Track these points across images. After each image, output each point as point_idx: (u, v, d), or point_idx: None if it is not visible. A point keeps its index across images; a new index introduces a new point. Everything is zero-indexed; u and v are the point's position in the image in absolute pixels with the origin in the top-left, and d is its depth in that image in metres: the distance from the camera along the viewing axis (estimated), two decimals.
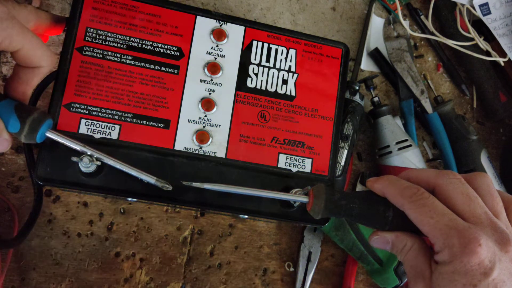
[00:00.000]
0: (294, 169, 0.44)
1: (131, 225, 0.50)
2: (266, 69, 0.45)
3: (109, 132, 0.41)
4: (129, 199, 0.43)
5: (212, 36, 0.44)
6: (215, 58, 0.44)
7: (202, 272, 0.52)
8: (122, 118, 0.41)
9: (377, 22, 0.61)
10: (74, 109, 0.40)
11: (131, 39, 0.42)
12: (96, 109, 0.40)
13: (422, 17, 0.62)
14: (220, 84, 0.44)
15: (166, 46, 0.43)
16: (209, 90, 0.43)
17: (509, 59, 0.59)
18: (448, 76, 0.64)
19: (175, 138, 0.42)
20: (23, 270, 0.47)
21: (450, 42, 0.59)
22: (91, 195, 0.50)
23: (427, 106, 0.57)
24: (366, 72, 0.60)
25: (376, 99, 0.56)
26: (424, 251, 0.32)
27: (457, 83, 0.63)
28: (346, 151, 0.51)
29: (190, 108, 0.43)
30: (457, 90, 0.64)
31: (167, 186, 0.39)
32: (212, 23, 0.44)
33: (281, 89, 0.45)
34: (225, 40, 0.44)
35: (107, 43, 0.41)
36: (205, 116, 0.43)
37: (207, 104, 0.43)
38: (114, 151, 0.40)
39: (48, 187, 0.48)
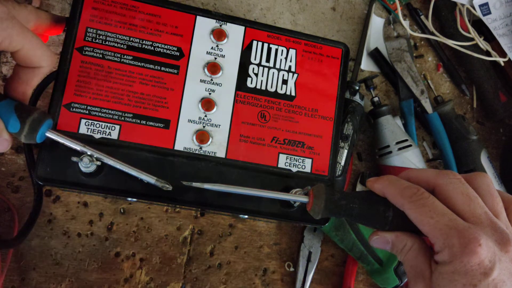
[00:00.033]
0: (294, 169, 0.44)
1: (131, 225, 0.50)
2: (266, 69, 0.45)
3: (109, 132, 0.41)
4: (129, 199, 0.43)
5: (212, 36, 0.44)
6: (215, 58, 0.44)
7: (202, 272, 0.52)
8: (122, 118, 0.41)
9: (377, 22, 0.61)
10: (74, 109, 0.40)
11: (131, 39, 0.42)
12: (96, 109, 0.40)
13: (422, 17, 0.62)
14: (220, 84, 0.44)
15: (166, 46, 0.43)
16: (209, 90, 0.43)
17: (509, 59, 0.59)
18: (448, 76, 0.64)
19: (175, 138, 0.42)
20: (23, 270, 0.47)
21: (450, 42, 0.59)
22: (91, 195, 0.50)
23: (427, 106, 0.57)
24: (366, 72, 0.60)
25: (376, 99, 0.56)
26: (424, 251, 0.32)
27: (457, 83, 0.63)
28: (346, 151, 0.51)
29: (190, 108, 0.43)
30: (457, 90, 0.64)
31: (167, 186, 0.39)
32: (212, 23, 0.44)
33: (281, 89, 0.45)
34: (225, 40, 0.44)
35: (107, 43, 0.41)
36: (205, 116, 0.43)
37: (207, 104, 0.43)
38: (114, 151, 0.40)
39: (48, 187, 0.48)
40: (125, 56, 0.42)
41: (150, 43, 0.42)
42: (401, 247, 0.33)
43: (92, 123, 0.40)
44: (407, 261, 0.33)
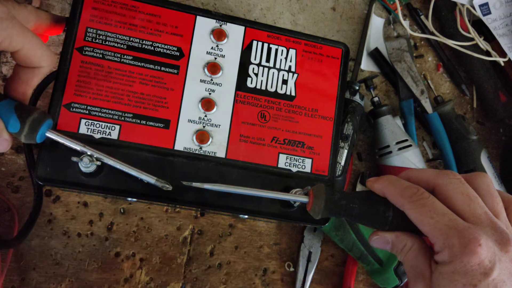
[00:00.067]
0: (294, 169, 0.44)
1: (131, 225, 0.50)
2: (266, 69, 0.45)
3: (109, 132, 0.41)
4: (129, 199, 0.43)
5: (212, 36, 0.44)
6: (215, 58, 0.44)
7: (202, 272, 0.52)
8: (122, 118, 0.41)
9: (377, 22, 0.61)
10: (74, 109, 0.40)
11: (131, 39, 0.42)
12: (96, 109, 0.40)
13: (422, 17, 0.62)
14: (220, 84, 0.44)
15: (166, 46, 0.43)
16: (209, 90, 0.43)
17: (509, 59, 0.59)
18: (448, 76, 0.64)
19: (175, 138, 0.42)
20: (23, 270, 0.47)
21: (450, 42, 0.59)
22: (91, 195, 0.50)
23: (427, 106, 0.57)
24: (366, 72, 0.60)
25: (376, 99, 0.56)
26: (424, 251, 0.32)
27: (457, 83, 0.63)
28: (346, 151, 0.51)
29: (190, 108, 0.43)
30: (457, 90, 0.64)
31: (167, 186, 0.39)
32: (212, 23, 0.44)
33: (281, 89, 0.45)
34: (225, 40, 0.44)
35: (107, 43, 0.41)
36: (205, 116, 0.43)
37: (207, 104, 0.43)
38: (114, 151, 0.40)
39: (48, 187, 0.48)
40: (125, 56, 0.42)
41: (150, 43, 0.42)
42: (401, 247, 0.33)
43: (92, 123, 0.40)
44: (407, 261, 0.33)
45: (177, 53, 0.43)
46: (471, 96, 0.64)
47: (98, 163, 0.39)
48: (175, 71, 0.43)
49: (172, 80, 0.42)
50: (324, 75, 0.46)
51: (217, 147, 0.43)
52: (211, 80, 0.43)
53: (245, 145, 0.43)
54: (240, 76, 0.44)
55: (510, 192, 0.55)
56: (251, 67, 0.45)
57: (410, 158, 0.53)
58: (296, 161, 0.44)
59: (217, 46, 0.44)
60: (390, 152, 0.54)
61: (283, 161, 0.44)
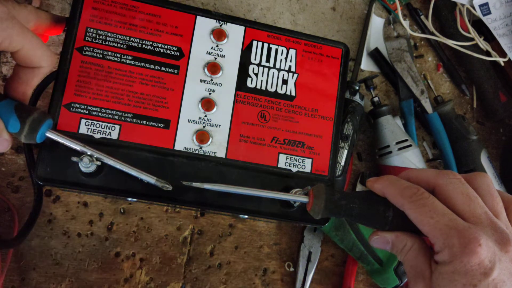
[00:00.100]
0: (294, 169, 0.44)
1: (131, 225, 0.50)
2: (266, 69, 0.45)
3: (109, 132, 0.41)
4: (129, 199, 0.43)
5: (212, 36, 0.44)
6: (215, 58, 0.44)
7: (202, 272, 0.52)
8: (122, 118, 0.41)
9: (377, 22, 0.61)
10: (74, 109, 0.40)
11: (131, 39, 0.42)
12: (96, 109, 0.40)
13: (422, 17, 0.62)
14: (220, 84, 0.44)
15: (166, 46, 0.43)
16: (209, 90, 0.43)
17: (509, 59, 0.59)
18: (448, 76, 0.64)
19: (175, 138, 0.42)
20: (23, 270, 0.47)
21: (450, 42, 0.59)
22: (91, 195, 0.50)
23: (427, 106, 0.57)
24: (366, 72, 0.60)
25: (376, 99, 0.56)
26: (424, 251, 0.32)
27: (457, 83, 0.63)
28: (346, 151, 0.51)
29: (190, 108, 0.43)
30: (457, 90, 0.64)
31: (167, 186, 0.39)
32: (212, 23, 0.44)
33: (281, 89, 0.45)
34: (225, 40, 0.44)
35: (107, 43, 0.41)
36: (205, 116, 0.43)
37: (207, 104, 0.43)
38: (114, 151, 0.40)
39: (48, 187, 0.48)
40: (125, 56, 0.42)
41: (150, 43, 0.42)
42: (401, 247, 0.33)
43: (92, 123, 0.40)
44: (407, 261, 0.33)
45: (177, 53, 0.43)
46: (471, 96, 0.64)
47: (98, 163, 0.39)
48: (175, 71, 0.43)
49: (172, 80, 0.42)
50: (324, 75, 0.46)
51: (217, 147, 0.43)
52: (211, 80, 0.43)
53: (245, 145, 0.43)
54: (240, 76, 0.44)
55: (510, 192, 0.55)
56: (251, 67, 0.45)
57: (410, 158, 0.53)
58: (296, 161, 0.44)
59: (217, 46, 0.44)
60: (390, 152, 0.54)
61: (283, 161, 0.44)
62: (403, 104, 0.57)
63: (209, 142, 0.42)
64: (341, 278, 0.55)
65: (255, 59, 0.45)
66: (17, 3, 0.36)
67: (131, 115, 0.41)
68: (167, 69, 0.42)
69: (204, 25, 0.44)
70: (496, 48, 0.60)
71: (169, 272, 0.51)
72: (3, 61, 0.49)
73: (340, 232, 0.51)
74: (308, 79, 0.46)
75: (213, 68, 0.43)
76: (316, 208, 0.34)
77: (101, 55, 0.41)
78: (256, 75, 0.45)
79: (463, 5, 0.59)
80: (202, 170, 0.42)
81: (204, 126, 0.43)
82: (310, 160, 0.45)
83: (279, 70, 0.45)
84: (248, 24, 0.45)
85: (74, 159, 0.38)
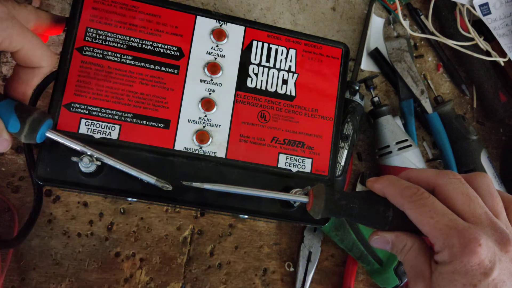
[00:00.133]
0: (294, 169, 0.44)
1: (131, 225, 0.50)
2: (266, 69, 0.45)
3: (109, 132, 0.41)
4: (129, 199, 0.43)
5: (212, 36, 0.44)
6: (215, 58, 0.44)
7: (202, 272, 0.52)
8: (122, 118, 0.41)
9: (377, 22, 0.61)
10: (74, 109, 0.40)
11: (131, 39, 0.42)
12: (96, 109, 0.40)
13: (422, 17, 0.62)
14: (220, 84, 0.44)
15: (166, 46, 0.43)
16: (209, 90, 0.43)
17: (509, 59, 0.59)
18: (448, 76, 0.64)
19: (175, 138, 0.42)
20: (23, 270, 0.47)
21: (450, 42, 0.59)
22: (91, 195, 0.50)
23: (427, 106, 0.57)
24: (366, 72, 0.60)
25: (376, 99, 0.56)
26: (424, 251, 0.32)
27: (457, 83, 0.63)
28: (346, 151, 0.51)
29: (190, 108, 0.43)
30: (457, 90, 0.64)
31: (167, 186, 0.39)
32: (212, 23, 0.44)
33: (281, 89, 0.45)
34: (225, 40, 0.44)
35: (107, 43, 0.41)
36: (205, 116, 0.43)
37: (207, 104, 0.43)
38: (114, 151, 0.40)
39: (48, 187, 0.48)
40: (125, 56, 0.42)
41: (150, 43, 0.42)
42: (401, 247, 0.33)
43: (92, 123, 0.40)
44: (407, 261, 0.33)
45: (177, 53, 0.43)
46: (471, 96, 0.64)
47: (98, 163, 0.39)
48: (175, 71, 0.43)
49: (172, 80, 0.42)
50: (324, 75, 0.46)
51: (217, 147, 0.43)
52: (211, 80, 0.43)
53: (245, 145, 0.43)
54: (240, 76, 0.44)
55: (510, 192, 0.55)
56: (251, 67, 0.45)
57: (410, 158, 0.53)
58: (296, 161, 0.44)
59: (217, 46, 0.44)
60: (390, 152, 0.54)
61: (283, 161, 0.44)
62: (403, 104, 0.57)
63: (209, 142, 0.42)
64: (341, 278, 0.55)
65: (255, 59, 0.45)
66: (17, 3, 0.36)
67: (131, 115, 0.41)
68: (167, 69, 0.42)
69: (204, 25, 0.44)
70: (496, 48, 0.60)
71: (169, 272, 0.51)
72: (3, 61, 0.49)
73: (340, 232, 0.51)
74: (308, 79, 0.46)
75: (213, 68, 0.43)
76: (316, 208, 0.34)
77: (101, 55, 0.41)
78: (256, 75, 0.45)
79: (463, 5, 0.59)
80: (202, 170, 0.42)
81: (204, 126, 0.43)
82: (310, 160, 0.45)
83: (279, 70, 0.45)
84: (248, 24, 0.45)
85: (74, 159, 0.38)
